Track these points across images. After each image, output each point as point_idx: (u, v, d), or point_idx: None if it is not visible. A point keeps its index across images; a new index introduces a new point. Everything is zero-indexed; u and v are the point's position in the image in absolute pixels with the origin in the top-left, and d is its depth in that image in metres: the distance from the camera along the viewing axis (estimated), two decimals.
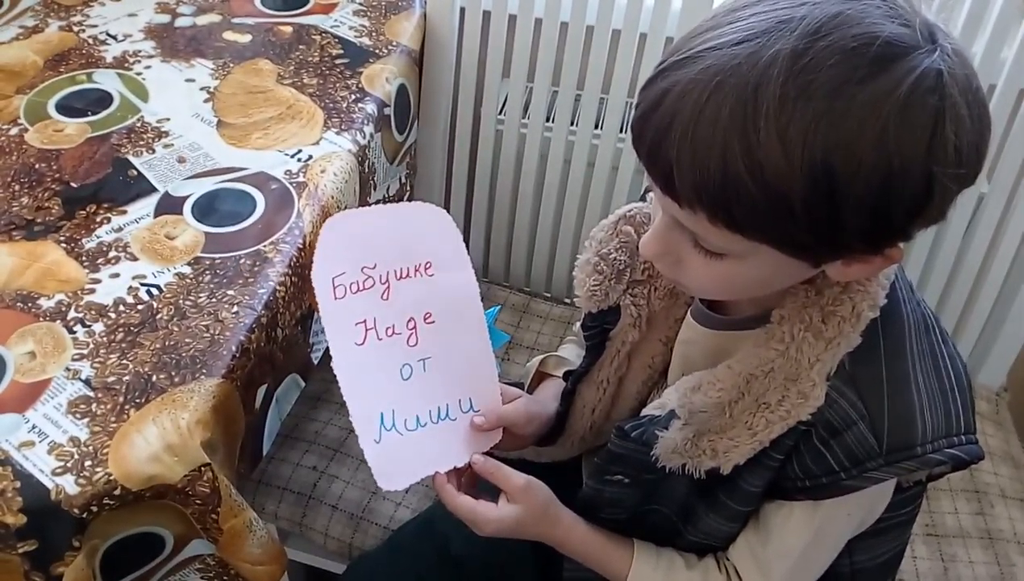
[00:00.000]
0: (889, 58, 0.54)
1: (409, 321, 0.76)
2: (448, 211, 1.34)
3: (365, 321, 0.74)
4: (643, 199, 0.83)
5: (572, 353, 0.95)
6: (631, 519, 0.79)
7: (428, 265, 0.77)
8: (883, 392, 0.66)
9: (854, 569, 0.78)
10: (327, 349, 1.01)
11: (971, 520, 1.08)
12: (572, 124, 1.26)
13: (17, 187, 0.94)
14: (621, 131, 1.25)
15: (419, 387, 0.77)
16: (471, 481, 0.80)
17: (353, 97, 1.08)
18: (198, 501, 0.76)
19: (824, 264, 0.62)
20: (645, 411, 0.76)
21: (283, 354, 0.90)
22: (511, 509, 0.76)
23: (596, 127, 1.25)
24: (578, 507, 0.80)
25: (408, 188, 1.25)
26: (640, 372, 0.84)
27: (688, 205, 0.59)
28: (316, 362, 1.00)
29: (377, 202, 1.12)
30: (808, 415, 0.66)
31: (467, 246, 1.37)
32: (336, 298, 0.73)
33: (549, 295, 1.38)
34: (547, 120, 1.27)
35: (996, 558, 1.05)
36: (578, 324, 0.88)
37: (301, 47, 1.16)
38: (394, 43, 1.17)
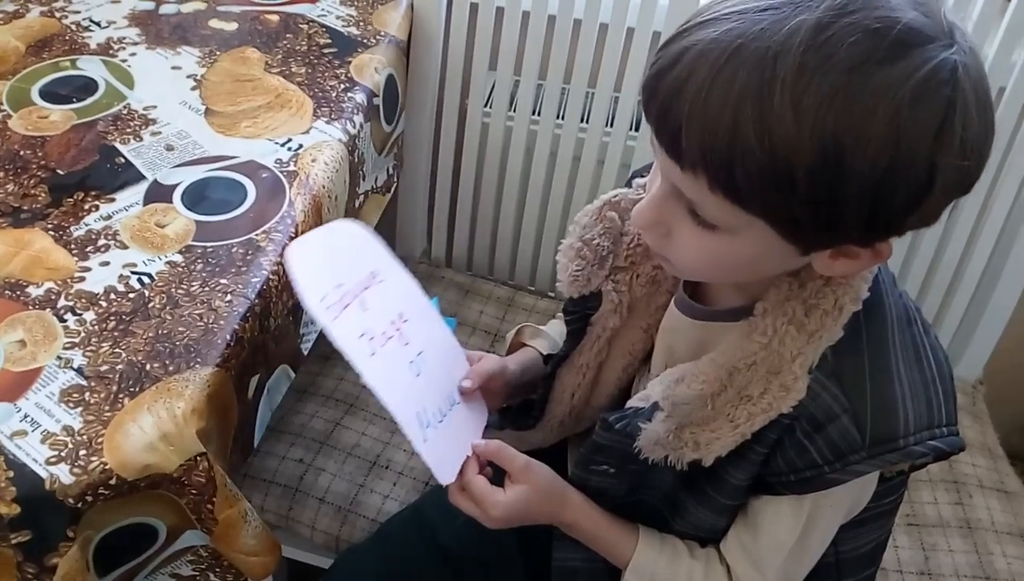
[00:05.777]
0: (909, 44, 0.55)
1: (392, 324, 0.77)
2: (433, 203, 1.37)
3: (364, 333, 0.75)
4: (628, 185, 0.83)
5: (555, 329, 0.95)
6: (619, 508, 0.80)
7: (374, 274, 0.79)
8: (865, 385, 0.67)
9: (839, 559, 0.79)
10: (316, 341, 1.02)
11: (950, 510, 1.11)
12: (558, 117, 1.27)
13: (2, 174, 0.93)
14: (607, 125, 1.25)
15: (428, 381, 0.78)
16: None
17: (342, 86, 1.08)
18: (193, 491, 0.75)
19: (813, 252, 0.63)
20: (630, 403, 0.76)
21: (275, 344, 0.89)
22: (517, 490, 0.76)
23: (582, 121, 1.26)
24: None
25: (395, 179, 1.24)
26: (620, 359, 0.85)
27: (691, 167, 0.59)
28: (305, 353, 0.99)
29: (366, 192, 1.12)
30: (790, 408, 0.66)
31: (451, 239, 1.39)
32: (334, 319, 0.73)
33: (533, 289, 1.38)
34: (533, 113, 1.27)
35: (975, 546, 1.07)
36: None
37: (288, 36, 1.15)
38: (382, 33, 1.17)
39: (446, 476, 0.75)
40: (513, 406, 0.90)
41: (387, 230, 1.35)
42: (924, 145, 0.56)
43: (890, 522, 0.81)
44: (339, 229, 0.81)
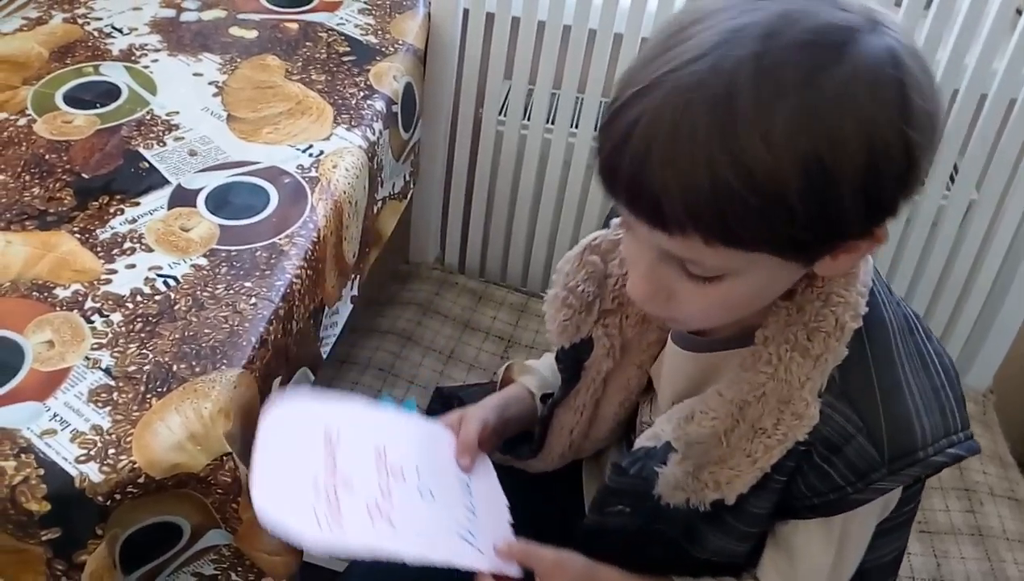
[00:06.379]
0: (841, 43, 0.56)
1: (381, 471, 0.75)
2: (447, 209, 1.38)
3: (369, 509, 0.71)
4: (606, 225, 0.82)
5: (546, 363, 0.95)
6: (637, 538, 0.78)
7: (328, 438, 0.75)
8: (877, 401, 0.66)
9: (861, 569, 0.78)
10: (334, 344, 1.03)
11: (962, 517, 1.11)
12: (572, 126, 1.28)
13: (28, 177, 0.94)
14: None
15: (440, 491, 0.77)
16: None
17: (362, 94, 1.09)
18: (219, 490, 0.76)
19: (817, 261, 0.63)
20: (639, 442, 0.75)
21: (296, 347, 0.90)
22: None
23: (596, 130, 1.27)
24: (582, 536, 0.80)
25: (411, 186, 1.26)
26: (617, 395, 0.84)
27: (680, 230, 0.57)
28: (324, 356, 1.00)
29: (384, 198, 1.13)
30: (805, 435, 0.65)
31: (465, 245, 1.40)
32: (343, 529, 0.68)
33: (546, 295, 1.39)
34: (548, 121, 1.29)
35: (986, 554, 1.08)
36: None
37: (308, 44, 1.16)
38: (400, 41, 1.18)
39: (514, 569, 0.74)
40: (512, 437, 0.90)
41: (402, 236, 1.37)
42: (894, 128, 0.57)
43: (908, 532, 0.80)
44: (267, 427, 0.74)
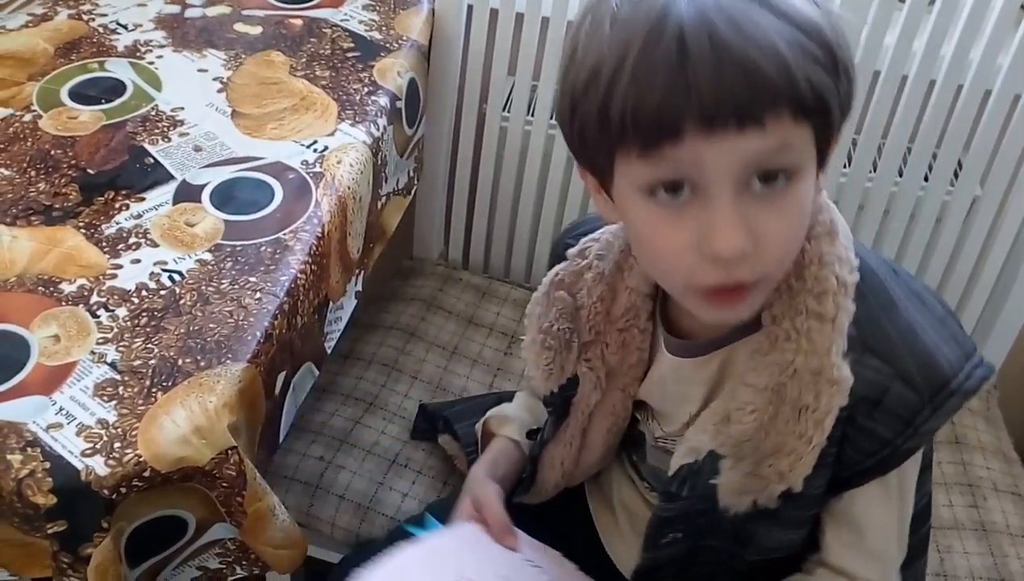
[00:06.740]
0: None
1: None
2: (451, 206, 1.38)
3: None
4: (559, 257, 0.81)
5: (521, 403, 0.95)
6: (688, 564, 0.78)
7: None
8: (897, 345, 0.66)
9: None
10: (339, 340, 1.03)
11: (965, 512, 1.11)
12: None
13: (33, 173, 0.94)
14: None
15: None
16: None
17: (366, 90, 1.09)
18: (224, 484, 0.76)
19: (822, 170, 0.64)
20: (675, 461, 0.74)
21: (301, 342, 0.90)
22: None
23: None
24: (635, 578, 0.80)
25: (415, 182, 1.26)
26: (603, 421, 0.83)
27: (772, 107, 0.57)
28: (328, 351, 1.00)
29: (388, 194, 1.13)
30: (846, 399, 0.65)
31: (469, 241, 1.40)
32: None
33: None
34: (551, 117, 1.29)
35: (990, 549, 1.08)
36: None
37: (312, 40, 1.16)
38: (404, 38, 1.19)
39: None
40: None
41: (406, 232, 1.37)
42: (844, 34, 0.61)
43: (931, 476, 0.79)
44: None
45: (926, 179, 1.20)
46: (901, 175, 1.21)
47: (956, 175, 1.20)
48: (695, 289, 0.64)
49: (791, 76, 0.56)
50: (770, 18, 0.57)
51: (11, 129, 0.99)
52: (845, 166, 1.22)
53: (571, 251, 0.80)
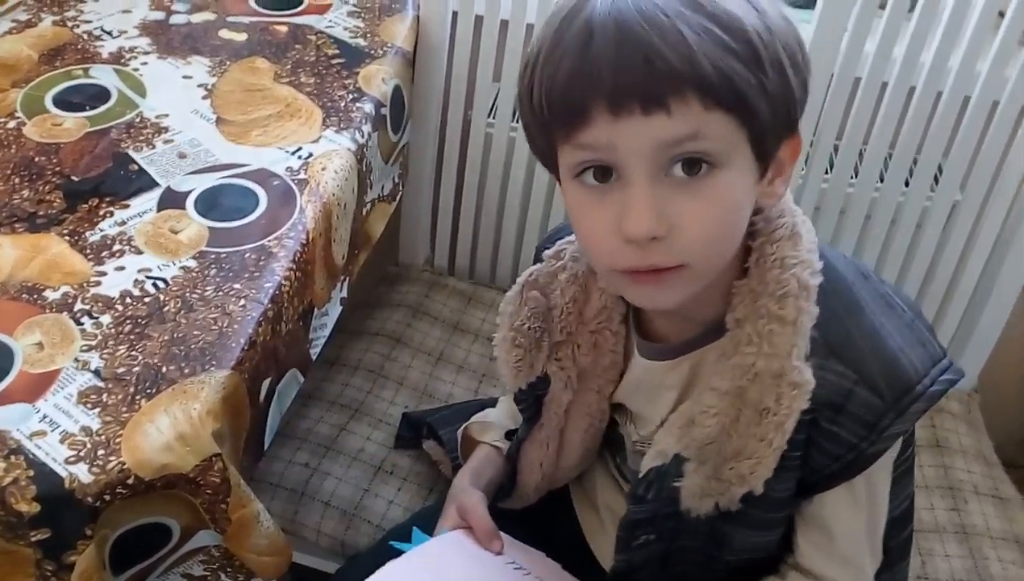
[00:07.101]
0: None
1: None
2: (436, 212, 1.38)
3: None
4: (539, 259, 0.82)
5: (502, 409, 0.95)
6: (663, 565, 0.78)
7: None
8: (861, 349, 0.67)
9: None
10: (324, 346, 1.03)
11: (946, 516, 1.12)
12: None
13: (17, 180, 0.94)
14: None
15: None
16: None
17: (351, 96, 1.10)
18: (208, 491, 0.77)
19: (769, 167, 0.65)
20: (645, 464, 0.75)
21: (286, 348, 0.91)
22: None
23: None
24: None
25: (400, 188, 1.26)
26: (580, 422, 0.84)
27: (678, 93, 0.58)
28: (314, 358, 1.00)
29: (373, 201, 1.14)
30: (807, 402, 0.66)
31: (454, 247, 1.41)
32: None
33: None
34: None
35: (971, 552, 1.08)
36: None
37: (297, 46, 1.17)
38: (389, 44, 1.19)
39: None
40: None
41: (391, 238, 1.37)
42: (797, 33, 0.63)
43: (913, 479, 0.80)
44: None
45: (906, 185, 1.21)
46: (882, 181, 1.22)
47: (936, 180, 1.22)
48: (619, 272, 0.65)
49: (694, 61, 0.57)
50: (683, 11, 0.58)
51: None
52: (827, 172, 1.23)
53: (547, 253, 0.81)
